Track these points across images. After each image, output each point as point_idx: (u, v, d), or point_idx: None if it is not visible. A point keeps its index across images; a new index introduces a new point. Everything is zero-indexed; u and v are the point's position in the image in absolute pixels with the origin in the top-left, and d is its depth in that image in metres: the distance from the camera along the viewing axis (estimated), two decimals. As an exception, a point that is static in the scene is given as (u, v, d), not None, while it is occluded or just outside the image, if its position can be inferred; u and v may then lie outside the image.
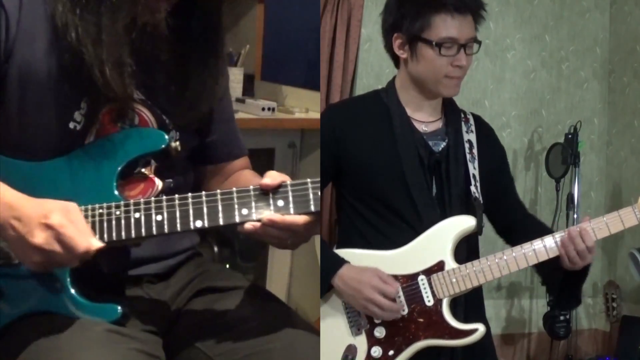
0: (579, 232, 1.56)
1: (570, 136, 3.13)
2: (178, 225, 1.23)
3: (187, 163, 1.52)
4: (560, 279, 1.65)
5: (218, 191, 1.24)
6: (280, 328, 1.33)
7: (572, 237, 1.56)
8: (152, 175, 1.38)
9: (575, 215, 3.12)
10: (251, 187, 1.23)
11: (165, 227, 1.23)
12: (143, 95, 1.38)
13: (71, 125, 1.31)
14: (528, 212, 1.84)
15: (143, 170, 1.38)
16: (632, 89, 3.40)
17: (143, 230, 1.24)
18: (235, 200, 1.23)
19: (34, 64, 1.28)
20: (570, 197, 3.15)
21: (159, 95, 1.40)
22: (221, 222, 1.22)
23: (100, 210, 1.25)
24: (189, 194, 1.24)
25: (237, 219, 1.22)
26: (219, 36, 1.45)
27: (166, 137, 1.33)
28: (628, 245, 3.14)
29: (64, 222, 1.16)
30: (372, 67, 3.18)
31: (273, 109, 2.87)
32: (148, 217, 1.23)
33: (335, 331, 1.62)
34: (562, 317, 3.00)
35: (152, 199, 1.25)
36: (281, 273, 3.16)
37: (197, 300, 1.44)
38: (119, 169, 1.30)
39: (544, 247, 1.59)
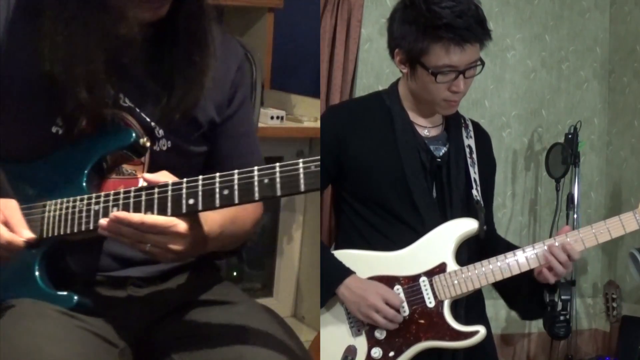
0: (562, 247, 1.55)
1: (570, 136, 3.13)
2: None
3: (190, 170, 1.50)
4: (526, 291, 1.65)
5: (170, 182, 1.23)
6: (255, 344, 1.31)
7: (554, 253, 1.55)
8: (140, 175, 1.39)
9: (575, 215, 3.13)
10: (201, 177, 1.21)
11: None
12: (129, 101, 1.39)
13: (54, 129, 1.35)
14: (496, 231, 1.83)
15: (129, 169, 1.41)
16: (632, 89, 3.40)
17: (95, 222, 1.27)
18: (184, 190, 1.21)
19: (15, 75, 1.32)
20: (570, 197, 3.16)
21: (146, 100, 1.40)
22: (169, 212, 1.21)
23: (67, 204, 1.30)
24: (144, 186, 1.25)
25: (185, 210, 1.21)
26: (203, 39, 1.42)
27: (134, 134, 1.36)
28: (628, 245, 3.14)
29: None
30: (372, 67, 3.18)
31: (282, 118, 2.87)
32: (106, 210, 1.26)
33: (335, 332, 1.62)
34: (562, 317, 3.00)
35: (112, 192, 1.27)
36: (288, 281, 3.17)
37: (181, 310, 1.43)
38: (90, 165, 1.35)
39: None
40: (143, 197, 1.23)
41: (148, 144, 1.38)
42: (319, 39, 3.08)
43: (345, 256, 1.64)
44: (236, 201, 1.18)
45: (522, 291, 1.66)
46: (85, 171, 1.34)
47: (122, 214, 1.20)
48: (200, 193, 1.19)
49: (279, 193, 1.16)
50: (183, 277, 1.49)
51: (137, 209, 1.23)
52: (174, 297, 1.45)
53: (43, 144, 1.36)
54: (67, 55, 1.28)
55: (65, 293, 1.30)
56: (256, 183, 1.16)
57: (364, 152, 1.66)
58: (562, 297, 3.01)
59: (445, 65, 1.55)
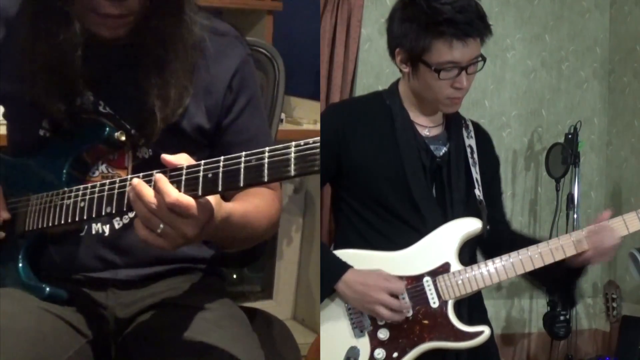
0: (606, 227, 1.56)
1: (570, 136, 3.13)
2: (94, 212, 1.25)
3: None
4: (559, 281, 1.65)
5: (129, 177, 1.18)
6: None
7: (598, 231, 1.56)
8: (120, 172, 1.42)
9: (575, 215, 3.13)
10: (155, 172, 1.14)
11: (85, 213, 1.26)
12: (108, 108, 1.40)
13: (41, 132, 1.42)
14: (512, 227, 1.83)
15: (112, 172, 1.43)
16: (632, 89, 3.41)
17: (70, 216, 1.30)
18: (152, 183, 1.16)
19: (3, 80, 1.39)
20: (570, 197, 3.16)
21: (124, 107, 1.40)
22: (126, 207, 1.20)
23: (47, 198, 1.35)
24: (117, 179, 1.22)
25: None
26: (178, 47, 1.38)
27: (107, 128, 1.38)
28: (628, 245, 3.12)
29: None
30: (372, 67, 3.18)
31: (281, 120, 2.86)
32: (75, 204, 1.29)
33: (337, 333, 1.61)
34: (562, 317, 3.00)
35: (82, 186, 1.29)
36: (288, 283, 3.17)
37: (153, 314, 1.41)
38: (69, 162, 1.39)
39: (554, 248, 1.58)
40: (105, 192, 1.22)
41: (123, 138, 1.39)
42: (318, 41, 3.07)
43: (347, 256, 1.63)
44: (220, 188, 1.10)
45: (558, 279, 1.66)
46: (65, 168, 1.39)
47: (143, 186, 1.12)
48: (183, 181, 1.12)
49: (265, 179, 1.06)
50: (164, 282, 1.47)
51: (99, 206, 1.23)
52: (150, 300, 1.44)
53: (32, 145, 1.42)
54: (34, 69, 1.33)
55: (38, 284, 1.36)
56: (242, 168, 1.08)
57: (364, 151, 1.66)
58: (562, 297, 3.02)
59: (447, 61, 1.55)
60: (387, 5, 3.11)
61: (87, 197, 1.26)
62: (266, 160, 1.06)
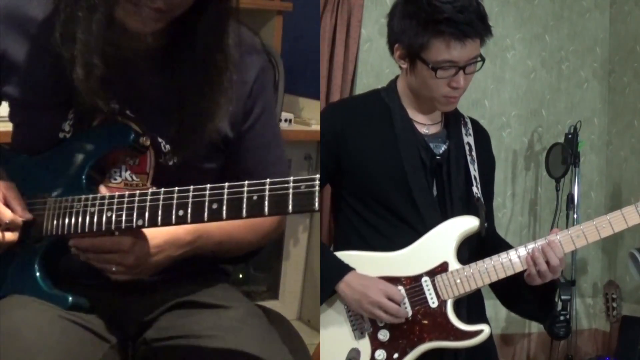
0: (549, 245, 1.54)
1: (570, 136, 3.13)
2: (123, 223, 1.24)
3: (207, 177, 1.47)
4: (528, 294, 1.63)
5: (162, 190, 1.22)
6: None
7: (544, 250, 1.54)
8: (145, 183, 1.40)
9: (575, 215, 3.12)
10: (192, 187, 1.19)
11: (113, 224, 1.25)
12: (133, 113, 1.38)
13: (60, 135, 1.38)
14: (496, 230, 1.82)
15: (135, 178, 1.41)
16: (632, 89, 3.41)
17: (95, 224, 1.27)
18: (175, 200, 1.20)
19: (26, 81, 1.36)
20: (570, 197, 3.16)
21: (153, 114, 1.38)
22: (159, 222, 1.21)
23: (66, 203, 1.30)
24: (137, 192, 1.24)
25: (174, 221, 1.20)
26: (221, 58, 1.36)
27: (133, 133, 1.35)
28: (628, 245, 3.14)
29: None
30: (372, 67, 3.18)
31: (290, 121, 2.86)
32: (100, 213, 1.26)
33: (338, 335, 1.61)
34: (562, 317, 3.00)
35: (107, 194, 1.27)
36: (294, 284, 3.17)
37: (173, 311, 1.42)
38: (90, 164, 1.35)
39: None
40: (135, 204, 1.23)
41: (148, 143, 1.37)
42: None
43: (346, 257, 1.63)
44: (224, 217, 1.15)
45: (524, 293, 1.64)
46: (85, 170, 1.35)
47: (75, 241, 1.26)
48: (190, 205, 1.17)
49: (266, 212, 1.12)
50: (182, 280, 1.47)
51: (129, 215, 1.23)
52: (170, 299, 1.44)
53: (50, 147, 1.39)
54: (72, 34, 1.27)
55: (61, 293, 1.32)
56: (245, 200, 1.13)
57: (363, 150, 1.66)
58: (562, 297, 3.02)
59: (445, 60, 1.54)
60: (387, 5, 3.10)
61: (115, 206, 1.24)
62: (267, 193, 1.12)
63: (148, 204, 1.22)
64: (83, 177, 1.34)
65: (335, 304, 1.63)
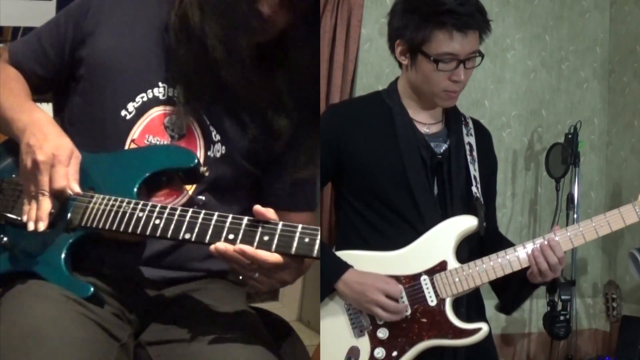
0: (549, 245, 1.57)
1: (570, 136, 3.13)
2: (169, 233, 1.29)
3: (235, 189, 1.53)
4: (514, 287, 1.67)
5: (216, 213, 1.27)
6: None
7: (543, 250, 1.57)
8: (186, 188, 1.45)
9: (575, 215, 3.13)
10: (245, 218, 1.26)
11: (159, 231, 1.29)
12: (205, 114, 1.46)
13: (122, 113, 1.44)
14: (498, 229, 1.84)
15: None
16: (632, 89, 3.41)
17: (140, 228, 1.31)
18: (227, 224, 1.26)
19: (111, 50, 1.46)
20: (570, 197, 3.16)
21: (224, 119, 1.47)
22: (207, 239, 1.26)
23: (114, 202, 1.35)
24: (190, 209, 1.29)
25: (222, 241, 1.25)
26: (309, 83, 1.47)
27: (196, 159, 1.40)
28: (628, 245, 3.14)
29: (62, 159, 1.34)
30: (372, 67, 3.18)
31: None
32: (148, 219, 1.30)
33: (337, 333, 1.62)
34: (562, 317, 3.00)
35: (158, 204, 1.31)
36: (294, 286, 3.14)
37: (166, 314, 1.44)
38: (145, 176, 1.40)
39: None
40: (187, 219, 1.28)
41: (207, 174, 1.41)
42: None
43: (346, 257, 1.63)
44: (273, 249, 1.24)
45: (511, 287, 1.68)
46: (140, 179, 1.39)
47: (250, 250, 1.23)
48: (241, 230, 1.25)
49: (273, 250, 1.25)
50: (186, 285, 1.49)
51: (177, 229, 1.28)
52: (170, 298, 1.46)
53: (110, 125, 1.45)
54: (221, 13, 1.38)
55: (84, 282, 1.33)
56: (296, 239, 1.24)
57: (364, 150, 1.66)
58: (562, 297, 3.02)
59: (446, 52, 1.56)
60: (387, 5, 3.10)
61: (165, 216, 1.29)
62: (277, 234, 1.25)
63: (199, 221, 1.27)
64: (136, 185, 1.38)
65: (335, 303, 1.63)
